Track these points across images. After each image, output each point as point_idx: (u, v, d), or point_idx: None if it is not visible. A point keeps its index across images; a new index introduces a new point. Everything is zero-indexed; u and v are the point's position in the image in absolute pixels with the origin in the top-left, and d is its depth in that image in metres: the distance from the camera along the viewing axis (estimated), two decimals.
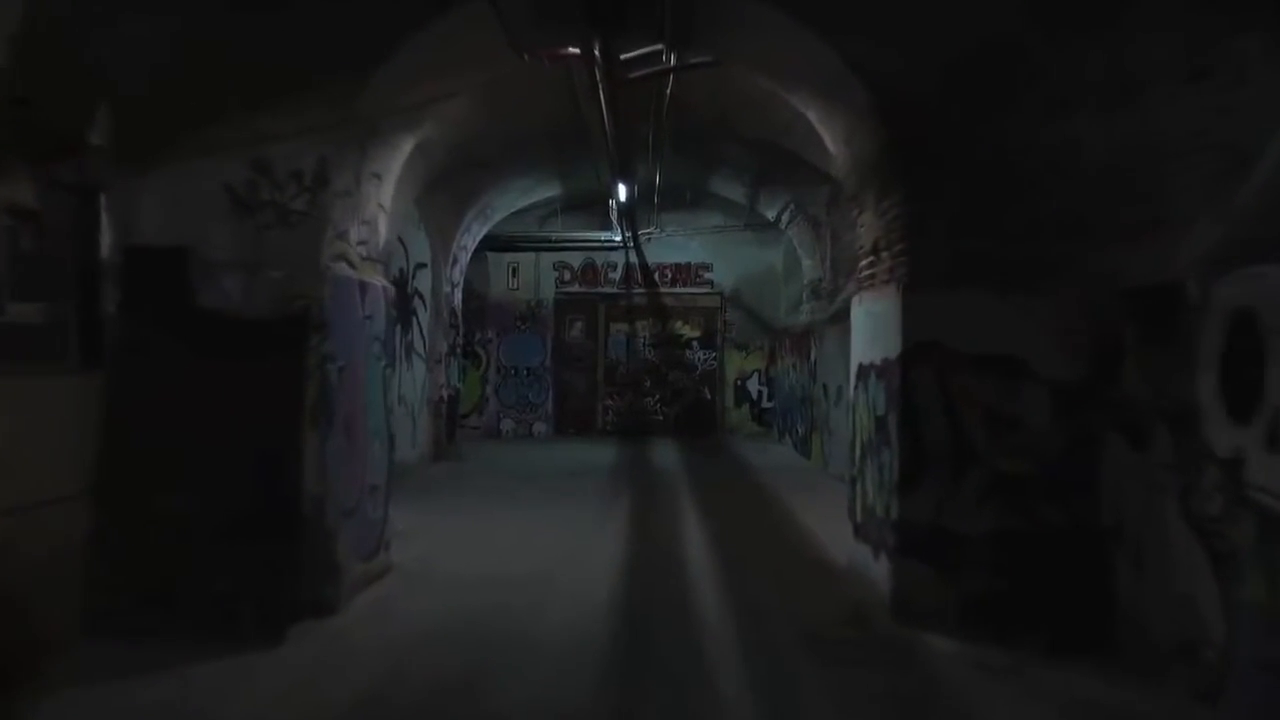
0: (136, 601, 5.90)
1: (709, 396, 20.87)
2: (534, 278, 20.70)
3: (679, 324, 20.88)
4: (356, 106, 6.52)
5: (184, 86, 6.16)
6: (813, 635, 6.31)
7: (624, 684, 5.49)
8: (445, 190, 14.88)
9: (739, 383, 20.88)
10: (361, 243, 7.18)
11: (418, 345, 15.09)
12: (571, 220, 19.52)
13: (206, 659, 5.59)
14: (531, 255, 20.41)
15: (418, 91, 7.28)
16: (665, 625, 6.50)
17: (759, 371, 20.83)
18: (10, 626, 4.81)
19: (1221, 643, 4.74)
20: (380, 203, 7.61)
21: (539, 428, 20.66)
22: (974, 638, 6.07)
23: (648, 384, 20.82)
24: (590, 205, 18.63)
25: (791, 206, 16.41)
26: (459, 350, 17.36)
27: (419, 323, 15.15)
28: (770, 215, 17.78)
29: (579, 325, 20.89)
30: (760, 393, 20.83)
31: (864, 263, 7.51)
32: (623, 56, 8.10)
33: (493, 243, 18.76)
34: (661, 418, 20.76)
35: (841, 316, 14.16)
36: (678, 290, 20.75)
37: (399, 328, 14.08)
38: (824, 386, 15.04)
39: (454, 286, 16.70)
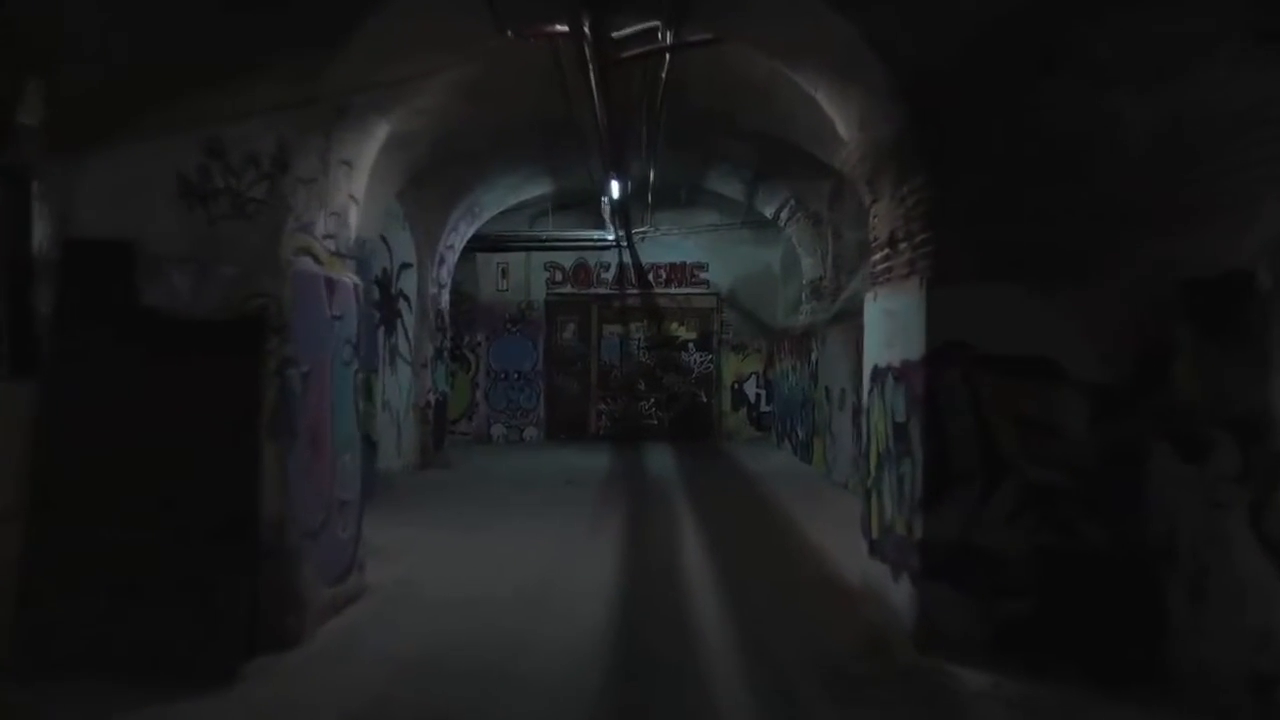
0: (69, 634, 5.27)
1: (705, 400, 20.29)
2: (524, 278, 20.11)
3: (674, 325, 20.32)
4: (320, 85, 5.91)
5: (128, 61, 5.53)
6: (827, 668, 5.69)
7: None
8: (430, 187, 14.29)
9: (736, 386, 20.30)
10: (329, 236, 6.56)
11: (403, 349, 14.46)
12: (563, 219, 18.91)
13: (145, 703, 4.95)
14: (522, 255, 19.81)
15: (389, 71, 6.66)
16: (664, 657, 5.88)
17: (757, 374, 20.26)
18: None
19: None
20: (351, 193, 6.99)
21: (530, 433, 20.05)
22: (1007, 670, 5.46)
23: (642, 387, 20.25)
24: (582, 204, 18.04)
25: (791, 203, 15.82)
26: (446, 354, 16.72)
27: (404, 325, 14.53)
28: (768, 213, 17.20)
29: (571, 327, 20.30)
30: (758, 396, 20.25)
31: (878, 256, 6.90)
32: (614, 35, 7.51)
33: (481, 242, 18.12)
34: (656, 422, 20.17)
35: (844, 317, 13.58)
36: (673, 291, 20.18)
37: (382, 330, 13.46)
38: (826, 390, 14.43)
39: (441, 288, 16.07)
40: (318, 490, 6.20)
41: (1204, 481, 4.94)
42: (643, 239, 19.47)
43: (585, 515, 10.64)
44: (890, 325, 6.43)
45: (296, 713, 4.97)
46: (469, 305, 19.80)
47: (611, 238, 18.27)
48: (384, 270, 13.60)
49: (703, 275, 20.11)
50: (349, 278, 6.85)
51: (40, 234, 5.43)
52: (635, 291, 20.16)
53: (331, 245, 6.59)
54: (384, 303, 13.49)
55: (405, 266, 14.56)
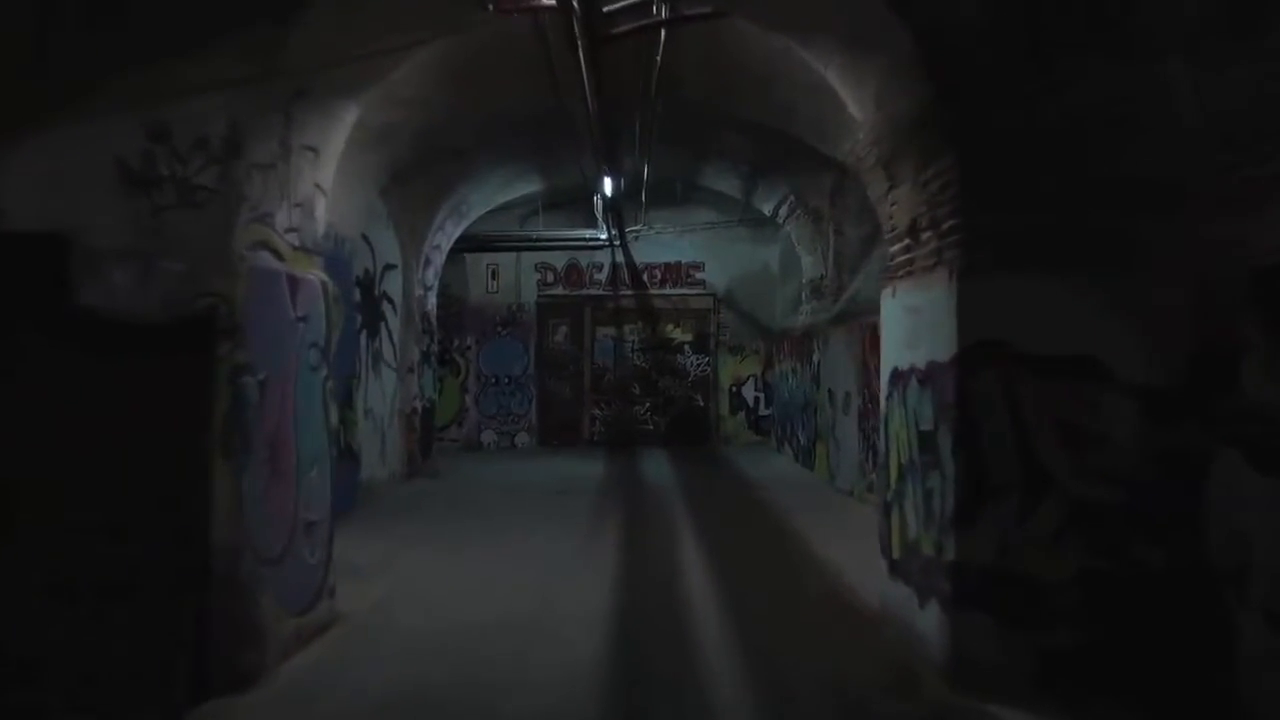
0: None
1: (702, 404, 19.68)
2: (514, 280, 19.50)
3: (669, 327, 19.70)
4: (276, 60, 5.28)
5: (61, 35, 4.91)
6: (849, 706, 5.09)
7: None
8: (414, 184, 13.68)
9: (734, 389, 19.71)
10: (292, 229, 5.94)
11: (386, 353, 13.82)
12: (554, 219, 18.32)
13: None
14: (511, 256, 19.21)
15: (353, 47, 6.04)
16: (666, 694, 5.26)
17: (755, 377, 19.66)
18: None
19: None
20: (318, 183, 6.37)
21: (522, 439, 19.43)
22: (1051, 709, 4.87)
23: (637, 391, 19.63)
24: (573, 202, 17.52)
25: (791, 199, 15.23)
26: (434, 358, 16.10)
27: (388, 329, 13.89)
28: (766, 210, 16.62)
29: (563, 330, 19.67)
30: (757, 399, 19.65)
31: (896, 247, 6.30)
32: (605, 9, 6.90)
33: (470, 243, 17.53)
34: (652, 427, 19.57)
35: (848, 316, 13.00)
36: (668, 291, 19.57)
37: (365, 334, 12.83)
38: (829, 393, 13.82)
39: (427, 289, 15.45)
40: (279, 511, 5.57)
41: None
42: (636, 238, 18.90)
43: (578, 528, 10.01)
44: (912, 323, 5.82)
45: None
46: (457, 308, 19.21)
47: (604, 237, 17.67)
48: (366, 271, 12.97)
49: (699, 275, 19.51)
50: (316, 275, 6.23)
51: None
52: (629, 292, 19.55)
53: (295, 239, 5.97)
54: (366, 305, 12.86)
55: (389, 267, 13.92)
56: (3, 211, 4.90)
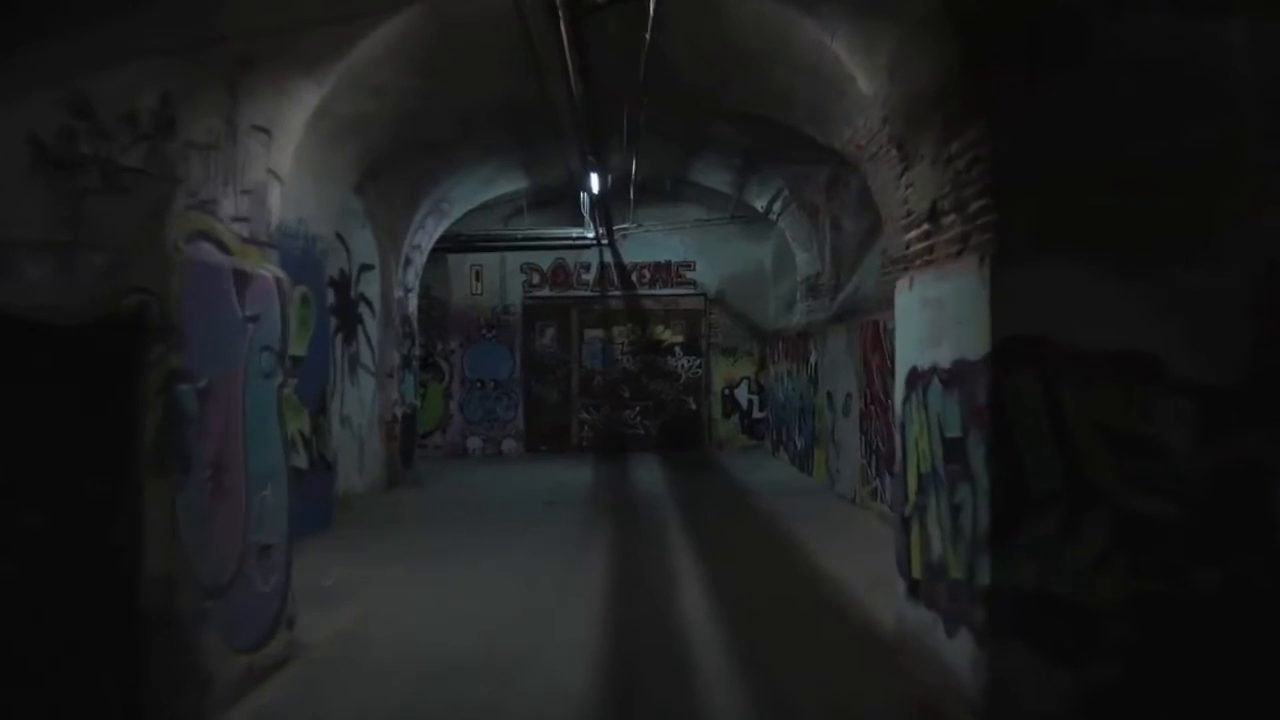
0: None
1: (694, 407, 19.12)
2: (499, 281, 18.90)
3: (660, 329, 19.15)
4: (213, 22, 4.66)
5: None
6: None
7: None
8: (392, 179, 13.07)
9: (727, 391, 19.14)
10: (241, 219, 5.31)
11: (365, 358, 13.20)
12: (540, 218, 17.72)
13: None
14: (496, 257, 18.61)
15: (305, 11, 5.41)
16: None
17: (748, 379, 19.09)
18: None
19: None
20: (272, 169, 5.74)
21: (509, 445, 18.82)
22: None
23: (627, 395, 19.05)
24: (559, 200, 16.94)
25: (785, 193, 14.64)
26: (415, 363, 15.45)
27: (365, 332, 13.26)
28: (759, 205, 16.03)
29: (550, 332, 19.11)
30: (750, 402, 19.08)
31: (913, 234, 5.70)
32: None
33: (452, 243, 16.94)
34: (643, 431, 18.98)
35: (846, 315, 12.42)
36: (657, 292, 19.01)
37: (340, 338, 12.21)
38: (828, 395, 13.23)
39: (407, 291, 14.81)
40: (225, 535, 4.94)
41: None
42: (625, 237, 18.31)
43: (566, 543, 9.39)
44: (934, 318, 5.22)
45: None
46: (440, 310, 18.65)
47: (591, 235, 17.06)
48: (341, 272, 12.34)
49: (689, 274, 18.95)
50: (270, 271, 5.61)
51: None
52: (618, 293, 19.00)
53: (244, 230, 5.34)
54: (341, 308, 12.23)
55: (366, 268, 13.29)
56: None
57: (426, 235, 15.19)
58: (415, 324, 15.37)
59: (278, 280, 5.67)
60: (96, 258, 4.39)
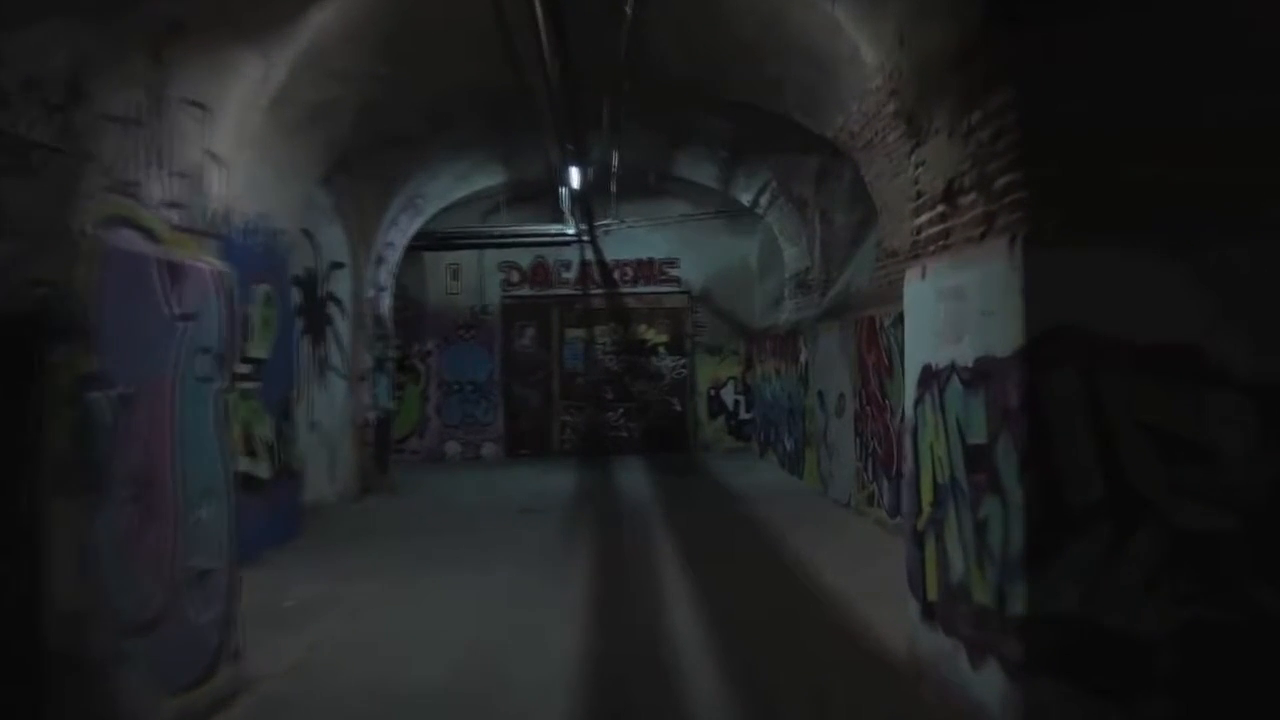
0: None
1: (679, 408, 18.62)
2: (478, 280, 18.36)
3: (643, 328, 18.69)
4: None
5: None
6: None
7: None
8: (362, 173, 12.48)
9: (712, 392, 18.65)
10: (173, 204, 4.71)
11: (335, 360, 12.58)
12: (518, 214, 17.13)
13: None
14: (474, 255, 18.06)
15: None
16: None
17: (734, 379, 18.61)
18: None
19: None
20: (211, 150, 5.15)
21: (488, 450, 18.26)
22: None
23: (609, 397, 18.55)
24: (539, 196, 16.35)
25: (773, 185, 14.09)
26: (390, 365, 14.83)
27: (336, 333, 12.64)
28: (745, 199, 15.50)
29: (530, 332, 18.59)
30: (737, 403, 18.57)
31: (925, 217, 5.14)
32: None
33: (428, 240, 16.36)
34: (626, 434, 18.47)
35: (839, 311, 11.88)
36: (640, 290, 18.52)
37: (308, 340, 11.60)
38: (820, 395, 12.69)
39: (380, 290, 14.19)
40: (151, 562, 4.34)
41: None
42: (607, 233, 17.75)
43: (547, 557, 8.79)
44: (953, 309, 4.65)
45: None
46: (416, 310, 18.12)
47: (572, 232, 16.48)
48: (308, 270, 11.74)
49: (673, 272, 18.47)
50: (209, 263, 5.00)
51: None
52: (599, 291, 18.51)
53: (176, 217, 4.74)
54: (309, 307, 11.63)
55: (336, 266, 12.67)
56: None
57: (400, 232, 14.57)
58: (389, 324, 14.76)
59: (219, 274, 5.07)
60: None
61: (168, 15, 4.39)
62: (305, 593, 7.49)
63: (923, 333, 5.10)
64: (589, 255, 18.24)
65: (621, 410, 18.52)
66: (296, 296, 11.06)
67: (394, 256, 14.69)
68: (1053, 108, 3.95)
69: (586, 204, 15.57)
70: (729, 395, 18.62)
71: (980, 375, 4.32)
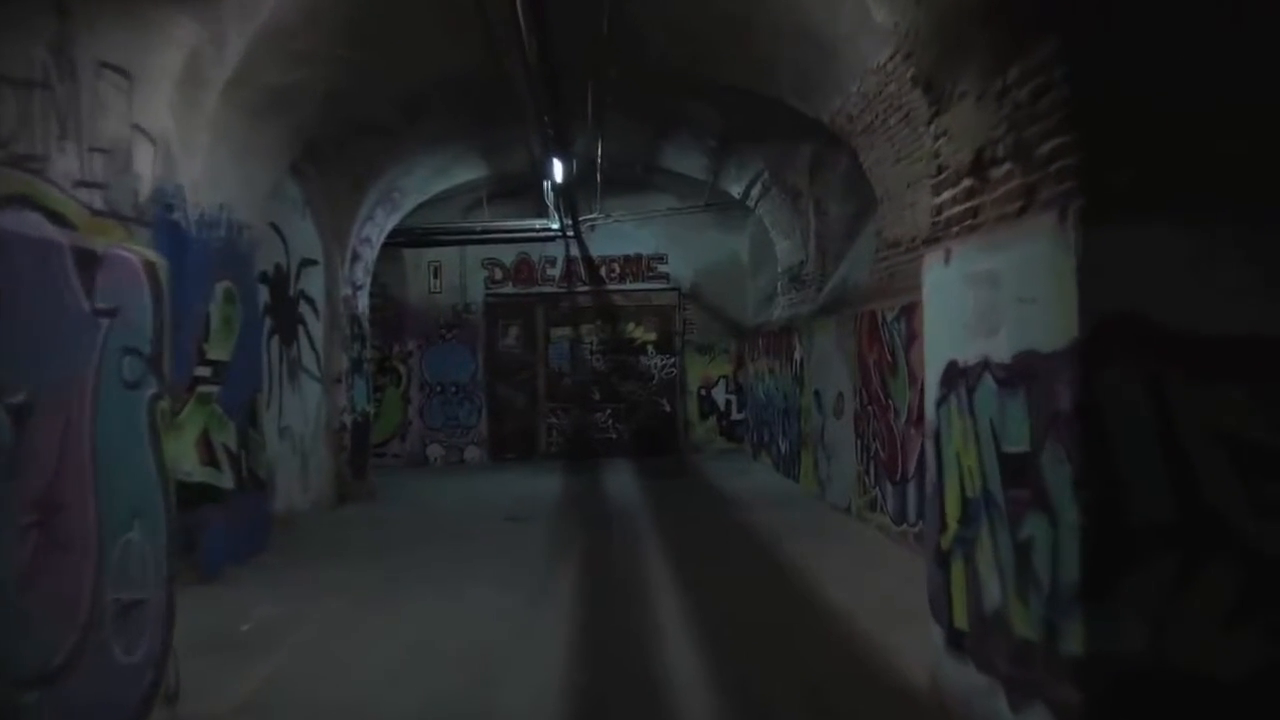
0: None
1: (668, 409, 18.04)
2: (459, 278, 17.73)
3: (630, 326, 18.09)
4: None
5: None
6: None
7: None
8: (335, 166, 11.89)
9: (703, 392, 18.08)
10: (90, 184, 4.09)
11: (308, 362, 11.95)
12: (501, 210, 16.55)
13: None
14: (455, 252, 17.44)
15: None
16: None
17: (726, 378, 18.03)
18: None
19: None
20: (138, 123, 4.53)
21: (472, 453, 17.65)
22: None
23: (597, 397, 17.96)
24: (522, 191, 15.84)
25: (765, 176, 13.53)
26: (367, 366, 14.22)
27: (308, 334, 12.01)
28: (736, 191, 14.94)
29: (514, 332, 17.97)
30: (728, 403, 18.00)
31: (947, 195, 4.55)
32: None
33: (408, 236, 15.76)
34: (615, 436, 17.89)
35: (836, 306, 11.32)
36: (628, 287, 17.94)
37: (277, 340, 10.97)
38: (816, 394, 12.12)
39: (356, 288, 13.57)
40: (60, 599, 3.73)
41: None
42: (592, 228, 17.18)
43: (530, 571, 8.17)
44: (985, 297, 4.07)
45: None
46: (396, 309, 17.50)
47: (556, 227, 15.86)
48: (278, 266, 11.09)
49: (661, 268, 17.89)
50: (136, 252, 4.39)
51: None
52: (585, 289, 17.91)
53: (95, 199, 4.12)
54: (278, 306, 10.98)
55: (308, 263, 12.04)
56: None
57: (376, 228, 13.95)
58: (366, 324, 14.13)
59: (150, 265, 4.46)
60: None
61: None
62: (267, 614, 6.89)
63: (947, 324, 4.52)
64: (574, 251, 17.66)
65: (609, 411, 17.94)
66: (264, 294, 10.42)
67: (370, 253, 14.07)
68: (1111, 58, 3.37)
69: (571, 198, 15.02)
70: (720, 395, 18.07)
71: (1020, 373, 3.74)
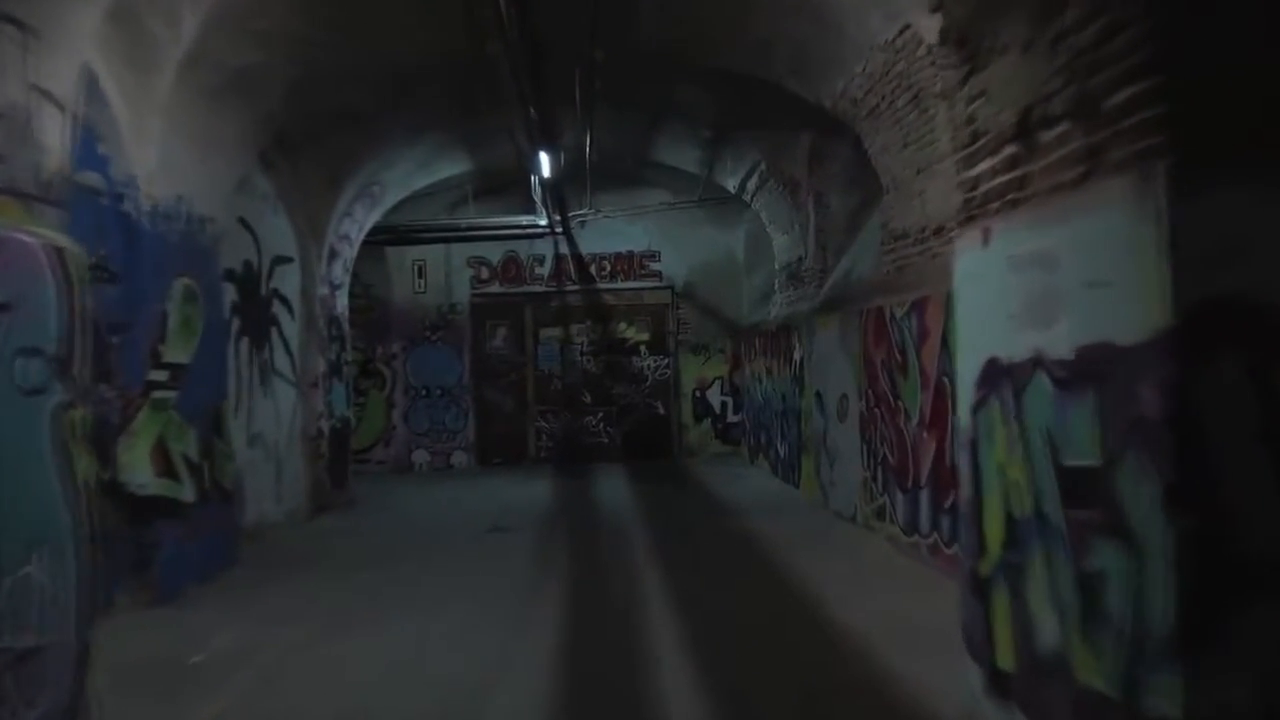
0: None
1: (662, 412, 17.42)
2: (444, 277, 17.12)
3: (622, 326, 17.46)
4: None
5: None
6: None
7: None
8: (309, 157, 11.26)
9: (698, 393, 17.45)
10: None
11: (282, 365, 11.28)
12: (487, 207, 15.94)
13: None
14: (440, 250, 16.83)
15: None
16: None
17: (721, 379, 17.40)
18: None
19: None
20: (41, 85, 3.90)
21: (459, 458, 17.03)
22: None
23: (588, 400, 17.31)
24: (509, 187, 15.27)
25: (762, 167, 12.91)
26: (347, 369, 13.56)
27: (282, 335, 11.35)
28: (731, 185, 14.33)
29: (501, 333, 17.33)
30: (724, 405, 17.36)
31: (987, 165, 3.92)
32: None
33: (390, 234, 15.14)
34: (606, 440, 17.27)
35: (839, 303, 10.69)
36: (619, 285, 17.30)
37: (247, 342, 10.31)
38: (818, 395, 11.49)
39: (335, 288, 12.92)
40: None
41: None
42: (582, 225, 16.60)
43: (513, 591, 7.52)
44: (1037, 282, 3.44)
45: None
46: (379, 310, 16.89)
47: (544, 223, 15.23)
48: (247, 264, 10.42)
49: (654, 266, 17.25)
50: (39, 235, 3.76)
51: None
52: (575, 288, 17.27)
53: None
54: (247, 306, 10.32)
55: (282, 260, 11.37)
56: None
57: (355, 224, 13.31)
58: (346, 325, 13.48)
59: (57, 251, 3.82)
60: None
61: None
62: (222, 642, 6.25)
63: (986, 316, 3.88)
64: (564, 249, 17.04)
65: (601, 414, 17.32)
66: (231, 293, 9.78)
67: (350, 251, 13.42)
68: None
69: (560, 193, 14.44)
70: (715, 397, 17.44)
71: (1086, 372, 3.12)
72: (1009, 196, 3.69)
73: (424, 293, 17.15)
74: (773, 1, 8.17)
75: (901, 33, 7.23)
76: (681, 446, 17.24)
